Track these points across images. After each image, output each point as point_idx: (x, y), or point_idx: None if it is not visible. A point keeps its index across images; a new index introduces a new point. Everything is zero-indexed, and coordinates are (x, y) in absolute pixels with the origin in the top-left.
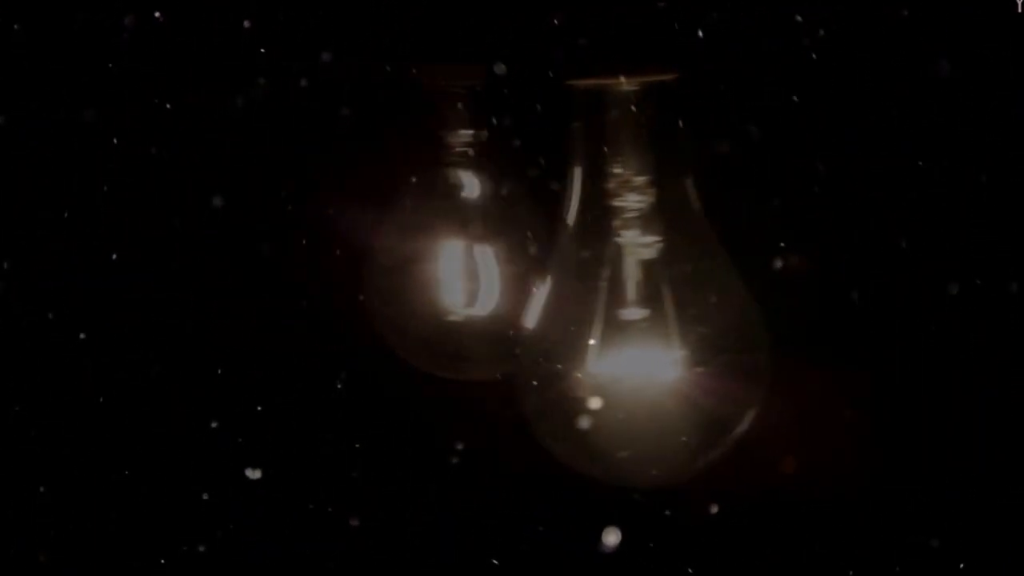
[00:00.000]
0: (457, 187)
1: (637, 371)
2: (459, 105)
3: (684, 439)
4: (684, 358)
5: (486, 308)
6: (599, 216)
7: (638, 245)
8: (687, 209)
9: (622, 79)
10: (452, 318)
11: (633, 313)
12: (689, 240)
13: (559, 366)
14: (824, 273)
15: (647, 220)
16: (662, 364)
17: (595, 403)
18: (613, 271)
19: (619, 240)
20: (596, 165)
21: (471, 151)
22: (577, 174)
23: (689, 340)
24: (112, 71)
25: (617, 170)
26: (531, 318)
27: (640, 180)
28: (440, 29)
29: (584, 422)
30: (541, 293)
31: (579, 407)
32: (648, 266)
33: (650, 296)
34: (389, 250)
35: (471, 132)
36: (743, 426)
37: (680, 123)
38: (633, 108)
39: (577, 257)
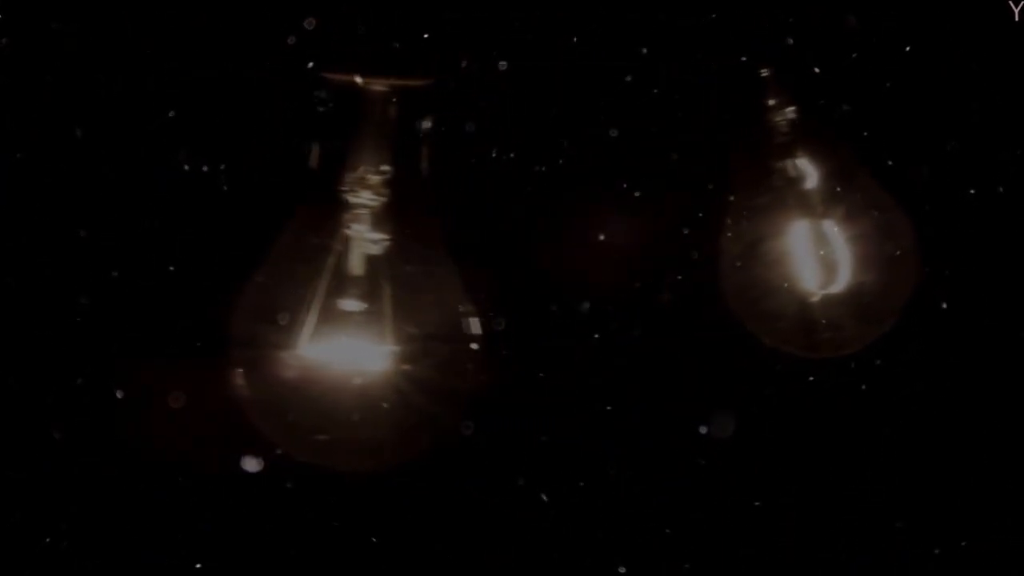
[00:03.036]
0: (790, 167)
1: (347, 360)
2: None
3: (385, 430)
4: (394, 354)
5: (841, 285)
6: (334, 207)
7: (366, 240)
8: (418, 212)
9: (371, 79)
10: (811, 297)
11: (351, 304)
12: (416, 242)
13: (271, 347)
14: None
15: (378, 218)
16: (372, 357)
17: (301, 387)
18: (338, 261)
19: (348, 233)
20: (339, 157)
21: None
22: (322, 162)
23: (401, 337)
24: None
25: (356, 165)
26: (249, 298)
27: (376, 179)
28: None
29: (289, 404)
30: (263, 275)
31: (286, 389)
32: (373, 262)
33: (371, 291)
34: (739, 236)
35: (792, 109)
36: (445, 422)
37: (424, 129)
38: (380, 108)
39: (306, 243)
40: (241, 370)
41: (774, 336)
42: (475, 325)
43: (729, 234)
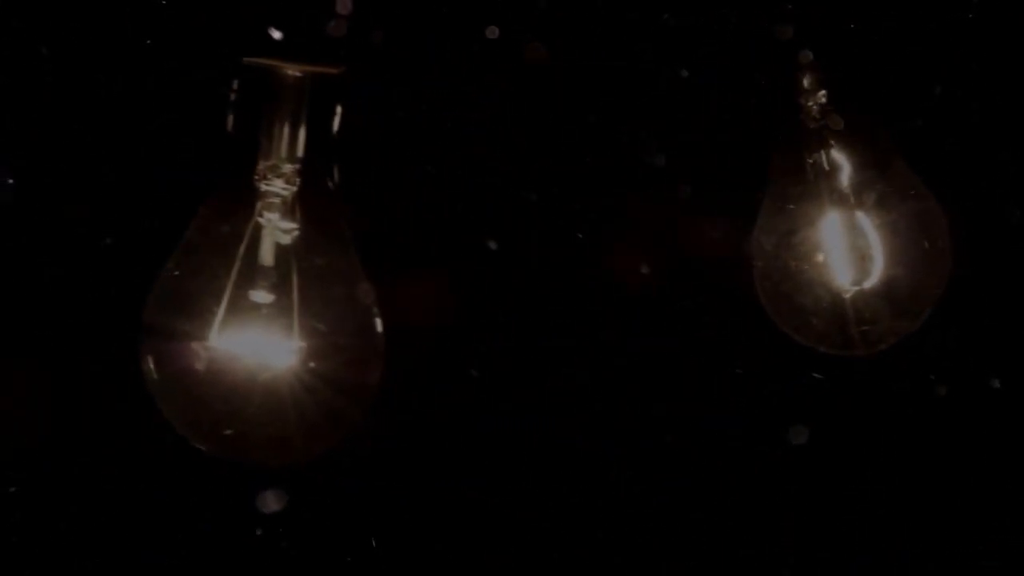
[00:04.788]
0: (820, 158)
1: (254, 354)
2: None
3: (290, 426)
4: (300, 350)
5: (873, 280)
6: (246, 194)
7: (277, 229)
8: (328, 204)
9: (286, 63)
10: (843, 293)
11: (261, 296)
12: (325, 234)
13: (180, 339)
14: None
15: (289, 207)
16: (278, 352)
17: (208, 379)
18: (249, 251)
19: (260, 221)
20: (252, 143)
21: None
22: (236, 148)
23: (308, 333)
24: None
25: (268, 153)
26: (163, 287)
27: (288, 168)
28: None
29: (197, 396)
30: (172, 263)
31: (194, 381)
32: (283, 252)
33: (280, 283)
34: (770, 230)
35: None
36: (350, 420)
37: (337, 119)
38: (294, 95)
39: (218, 230)
40: (149, 360)
41: (807, 333)
42: (380, 322)
43: (760, 226)
